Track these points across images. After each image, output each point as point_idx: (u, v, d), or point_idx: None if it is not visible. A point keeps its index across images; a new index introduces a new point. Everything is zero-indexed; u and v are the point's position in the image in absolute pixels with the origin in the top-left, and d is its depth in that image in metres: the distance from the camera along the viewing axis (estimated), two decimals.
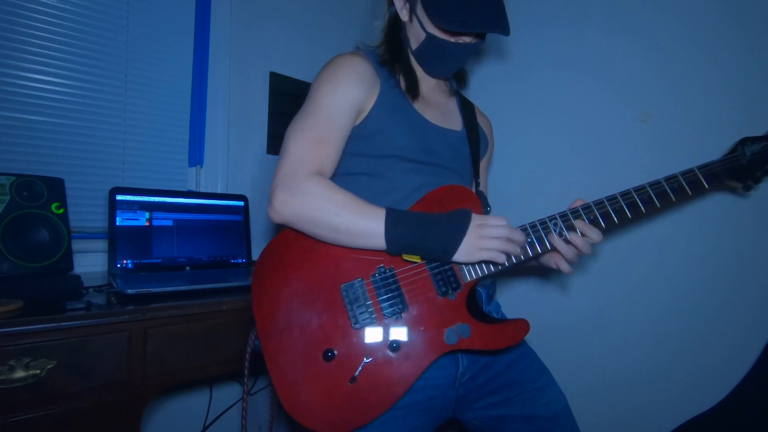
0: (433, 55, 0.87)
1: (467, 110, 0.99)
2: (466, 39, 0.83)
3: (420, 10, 0.84)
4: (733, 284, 1.07)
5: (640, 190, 0.80)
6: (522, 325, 0.76)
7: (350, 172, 0.86)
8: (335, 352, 0.73)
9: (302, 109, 0.81)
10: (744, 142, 0.84)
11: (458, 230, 0.72)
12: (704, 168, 0.81)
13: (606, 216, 0.78)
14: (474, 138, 0.96)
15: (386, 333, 0.75)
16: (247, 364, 0.83)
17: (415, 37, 0.88)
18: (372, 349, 0.74)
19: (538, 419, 0.83)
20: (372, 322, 0.75)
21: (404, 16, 0.89)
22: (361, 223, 0.72)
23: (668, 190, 0.79)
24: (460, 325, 0.75)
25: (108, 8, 1.36)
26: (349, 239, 0.74)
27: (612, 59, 1.29)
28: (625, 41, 1.26)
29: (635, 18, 1.24)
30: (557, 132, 1.41)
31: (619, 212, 0.78)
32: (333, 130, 0.79)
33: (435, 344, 0.74)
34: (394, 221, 0.72)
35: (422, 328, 0.75)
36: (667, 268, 1.18)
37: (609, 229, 0.79)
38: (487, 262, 0.76)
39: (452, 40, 0.83)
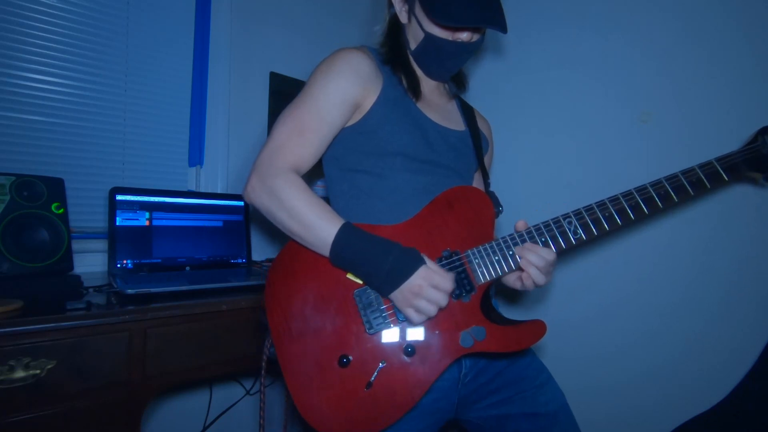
0: (431, 54, 0.87)
1: (467, 113, 0.99)
2: (464, 37, 0.83)
3: (418, 9, 0.84)
4: (733, 284, 1.07)
5: (656, 185, 0.78)
6: (538, 327, 0.75)
7: (352, 169, 0.85)
8: (350, 357, 0.73)
9: (296, 97, 0.82)
10: (764, 131, 0.82)
11: (400, 274, 0.71)
12: (723, 159, 0.78)
13: (622, 213, 0.77)
14: (476, 139, 0.96)
15: (401, 337, 0.74)
16: (263, 372, 0.82)
17: (414, 37, 0.88)
18: (387, 354, 0.73)
19: (538, 417, 0.83)
20: (386, 327, 0.74)
21: (403, 17, 0.89)
22: (312, 237, 0.74)
23: (686, 184, 0.77)
24: (475, 327, 0.74)
25: (108, 8, 1.37)
26: (302, 242, 0.76)
27: (612, 59, 1.29)
28: (625, 41, 1.26)
29: (635, 18, 1.24)
30: (557, 132, 1.41)
31: (635, 208, 0.76)
32: (318, 122, 0.79)
33: (450, 348, 0.74)
34: (342, 242, 0.72)
35: (437, 332, 0.74)
36: (667, 267, 1.17)
37: (625, 226, 0.78)
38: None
39: (450, 38, 0.83)
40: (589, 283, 1.32)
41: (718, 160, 0.79)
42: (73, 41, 1.31)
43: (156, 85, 1.47)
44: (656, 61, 1.20)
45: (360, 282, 0.76)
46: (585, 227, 0.77)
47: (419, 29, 0.85)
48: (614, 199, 0.78)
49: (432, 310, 0.71)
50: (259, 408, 0.85)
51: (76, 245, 1.15)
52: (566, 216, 0.78)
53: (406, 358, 0.73)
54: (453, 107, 0.99)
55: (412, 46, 0.89)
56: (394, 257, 0.71)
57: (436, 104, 0.94)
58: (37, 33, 1.25)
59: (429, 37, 0.84)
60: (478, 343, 0.74)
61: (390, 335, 0.74)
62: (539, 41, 1.46)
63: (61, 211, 1.03)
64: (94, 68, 1.35)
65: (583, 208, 0.78)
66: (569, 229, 0.77)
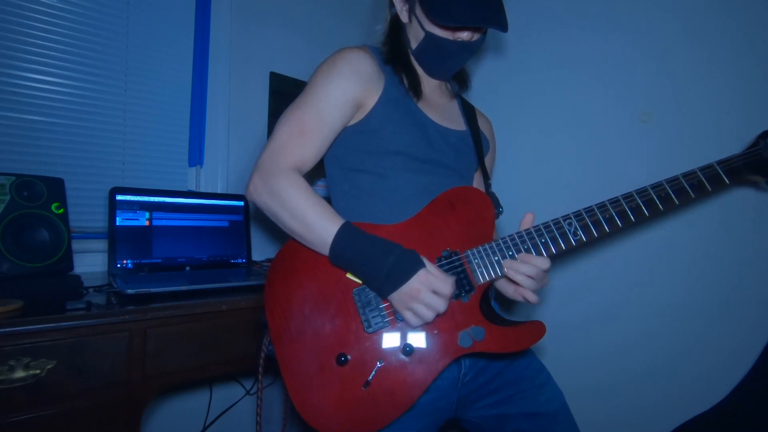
0: (432, 54, 0.87)
1: (469, 112, 0.99)
2: (464, 36, 0.83)
3: (418, 9, 0.84)
4: (733, 284, 1.07)
5: (657, 187, 0.77)
6: (538, 328, 0.75)
7: (353, 169, 0.85)
8: (348, 356, 0.73)
9: (297, 97, 0.82)
10: (765, 135, 0.81)
11: (399, 276, 0.70)
12: (724, 163, 0.78)
13: (622, 215, 0.76)
14: (477, 139, 0.96)
15: (399, 337, 0.74)
16: (261, 369, 0.82)
17: (415, 37, 0.88)
18: (385, 353, 0.73)
19: (538, 416, 0.83)
20: (385, 326, 0.74)
21: (404, 17, 0.89)
22: (313, 236, 0.74)
23: (687, 187, 0.76)
24: (474, 327, 0.74)
25: (108, 8, 1.36)
26: (303, 241, 0.77)
27: (612, 59, 1.29)
28: (625, 41, 1.26)
29: (635, 18, 1.24)
30: (557, 132, 1.41)
31: (635, 210, 0.76)
32: (319, 122, 0.79)
33: (449, 348, 0.74)
34: (342, 241, 0.72)
35: (435, 332, 0.74)
36: (667, 268, 1.17)
37: (625, 228, 0.77)
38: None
39: (450, 38, 0.83)
40: (589, 284, 1.32)
41: (719, 163, 0.78)
42: (73, 41, 1.31)
43: (156, 85, 1.47)
44: (656, 61, 1.20)
45: (359, 282, 0.76)
46: (585, 229, 0.77)
47: (420, 29, 0.85)
48: (614, 201, 0.77)
49: (429, 315, 0.70)
50: (257, 405, 0.85)
51: (76, 245, 1.15)
52: (566, 217, 0.78)
53: (404, 357, 0.73)
54: (454, 107, 0.99)
55: (413, 45, 0.89)
56: (394, 258, 0.71)
57: (437, 104, 0.94)
58: (37, 33, 1.25)
59: (429, 37, 0.84)
60: (477, 343, 0.74)
61: (388, 334, 0.74)
62: (539, 41, 1.46)
63: (61, 211, 1.03)
64: (94, 68, 1.34)
65: (583, 209, 0.78)
66: (569, 231, 0.77)
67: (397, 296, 0.71)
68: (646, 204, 0.77)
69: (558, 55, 1.41)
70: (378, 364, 0.73)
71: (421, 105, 0.88)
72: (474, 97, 1.16)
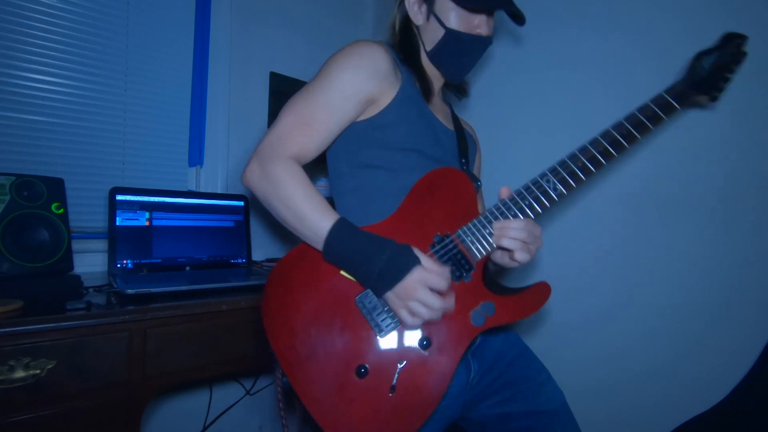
0: (452, 49, 0.87)
1: (455, 119, 1.03)
2: (482, 32, 0.85)
3: (441, 5, 0.85)
4: (733, 285, 1.07)
5: (618, 126, 0.82)
6: (543, 289, 0.76)
7: (369, 165, 0.84)
8: (367, 366, 0.71)
9: (306, 85, 0.80)
10: (699, 56, 0.88)
11: (394, 274, 0.69)
12: (670, 90, 0.84)
13: (593, 160, 0.79)
14: (462, 140, 0.98)
15: (414, 333, 0.73)
16: (280, 404, 0.80)
17: (432, 37, 0.88)
18: (403, 353, 0.72)
19: (539, 415, 0.83)
20: (396, 326, 0.73)
21: (419, 19, 0.89)
22: (305, 229, 0.73)
23: (644, 119, 0.82)
24: (483, 304, 0.74)
25: (108, 8, 1.37)
26: (296, 232, 0.75)
27: (612, 59, 1.29)
28: (625, 41, 1.26)
29: (635, 18, 1.24)
30: (557, 132, 1.41)
31: (604, 153, 0.80)
32: (327, 115, 0.77)
33: (464, 330, 0.73)
34: (336, 238, 0.71)
35: (447, 318, 0.73)
36: (667, 268, 1.17)
37: (598, 172, 0.81)
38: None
39: (471, 32, 0.85)
40: (589, 284, 1.32)
41: (667, 91, 0.84)
42: (73, 41, 1.31)
43: (156, 85, 1.47)
44: (656, 61, 1.20)
45: (353, 279, 0.75)
46: (563, 182, 0.78)
47: (439, 27, 0.86)
48: (583, 149, 0.80)
49: (425, 312, 0.69)
50: (281, 425, 0.82)
51: (76, 245, 1.15)
52: (543, 175, 0.80)
53: (423, 352, 0.72)
54: (448, 111, 1.03)
55: (428, 47, 0.89)
56: (387, 256, 0.69)
57: (437, 106, 0.97)
58: (37, 33, 1.25)
59: (450, 33, 0.85)
60: (490, 318, 0.73)
61: (402, 333, 0.73)
62: (539, 41, 1.46)
63: (61, 211, 1.03)
64: (94, 68, 1.35)
65: (557, 163, 0.80)
66: (549, 187, 0.78)
67: (392, 295, 0.70)
68: (612, 144, 0.80)
69: (558, 55, 1.41)
70: (399, 366, 0.71)
71: (429, 106, 0.90)
72: (474, 96, 1.17)
